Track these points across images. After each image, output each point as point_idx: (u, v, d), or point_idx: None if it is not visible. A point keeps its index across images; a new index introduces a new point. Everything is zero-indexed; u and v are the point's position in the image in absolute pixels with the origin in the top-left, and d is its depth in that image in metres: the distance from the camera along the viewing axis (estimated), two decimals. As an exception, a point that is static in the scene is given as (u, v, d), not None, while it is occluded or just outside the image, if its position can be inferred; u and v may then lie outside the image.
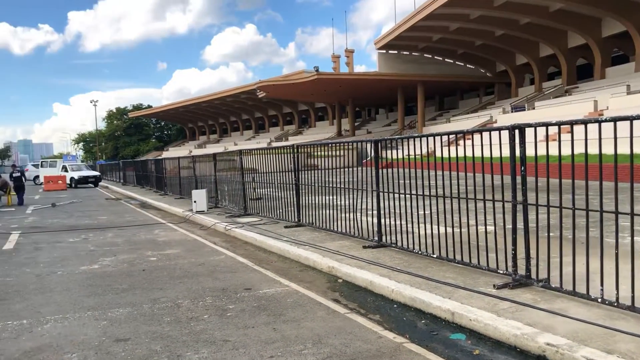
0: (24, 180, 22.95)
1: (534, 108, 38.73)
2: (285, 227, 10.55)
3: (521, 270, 5.51)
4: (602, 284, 4.58)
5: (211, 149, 73.12)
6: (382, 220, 8.02)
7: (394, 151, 8.73)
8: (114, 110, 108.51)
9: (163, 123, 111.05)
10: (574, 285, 4.87)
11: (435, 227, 6.99)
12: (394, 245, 7.77)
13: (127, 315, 5.45)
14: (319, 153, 10.96)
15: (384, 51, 53.47)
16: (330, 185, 9.61)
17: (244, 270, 7.63)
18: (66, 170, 37.69)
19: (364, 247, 8.02)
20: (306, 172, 10.77)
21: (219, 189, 15.92)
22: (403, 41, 49.12)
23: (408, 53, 54.01)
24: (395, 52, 53.61)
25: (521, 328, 4.27)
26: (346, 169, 9.48)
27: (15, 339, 4.82)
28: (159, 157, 36.14)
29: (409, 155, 7.57)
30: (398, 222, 7.71)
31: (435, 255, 6.82)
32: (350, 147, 11.45)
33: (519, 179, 5.42)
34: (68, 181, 35.26)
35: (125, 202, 22.25)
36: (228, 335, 4.73)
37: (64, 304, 5.98)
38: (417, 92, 50.94)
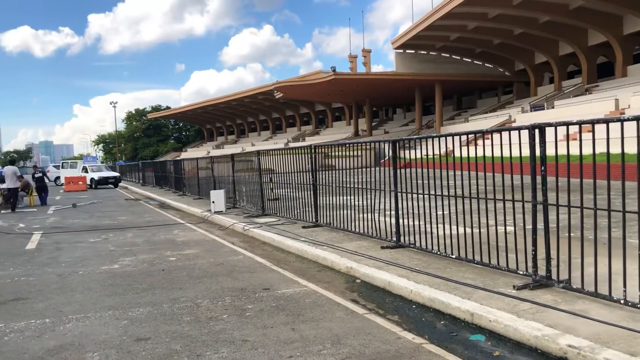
0: (46, 181, 23.28)
1: (553, 107, 38.31)
2: (303, 227, 10.57)
3: (541, 271, 5.45)
4: (624, 285, 4.52)
5: (229, 149, 73.51)
6: (401, 221, 7.99)
7: (412, 151, 8.70)
8: (133, 112, 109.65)
9: (181, 124, 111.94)
10: (595, 286, 4.81)
11: (454, 227, 6.95)
12: (412, 245, 7.74)
13: (147, 315, 5.51)
14: (337, 153, 10.95)
15: (401, 51, 53.29)
16: (348, 185, 9.60)
17: (263, 270, 7.66)
18: (86, 171, 38.19)
19: (382, 247, 8.00)
20: (324, 172, 10.78)
21: (237, 190, 16.00)
22: (420, 40, 48.91)
23: (425, 52, 53.75)
24: (413, 51, 53.40)
25: (542, 329, 4.23)
26: (364, 169, 9.45)
27: (38, 337, 4.90)
28: (178, 158, 36.45)
29: (427, 155, 7.54)
30: (416, 223, 7.68)
31: (454, 256, 6.79)
32: (368, 147, 11.43)
33: (538, 179, 5.37)
34: (88, 182, 35.70)
35: (144, 202, 22.47)
36: (247, 335, 4.76)
37: (86, 304, 6.06)
38: (434, 92, 50.67)
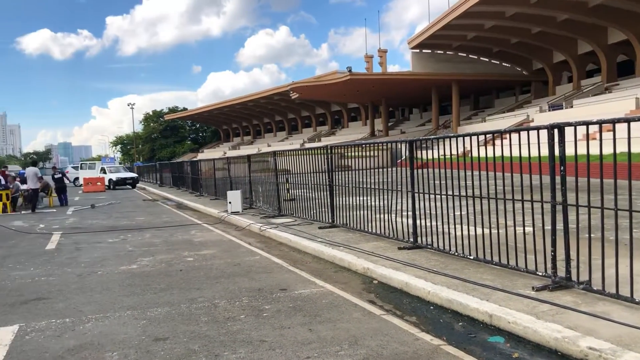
0: (65, 182, 23.62)
1: (572, 106, 37.91)
2: (320, 227, 10.57)
3: (561, 272, 5.39)
4: (646, 287, 4.45)
5: (245, 150, 73.82)
6: (418, 222, 7.95)
7: (429, 151, 8.65)
8: (151, 113, 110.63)
9: (198, 125, 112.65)
10: (617, 287, 4.74)
11: (471, 228, 6.90)
12: (429, 246, 7.71)
13: (165, 315, 5.54)
14: (353, 154, 10.93)
15: (418, 50, 53.09)
16: (364, 186, 9.58)
17: (279, 270, 7.67)
18: (105, 172, 38.60)
19: (399, 248, 7.97)
20: (340, 172, 10.77)
21: (253, 190, 16.05)
22: (437, 40, 48.68)
23: (442, 52, 53.50)
24: (429, 51, 53.18)
25: (562, 331, 4.18)
26: (380, 170, 9.41)
27: (59, 336, 4.96)
28: (194, 159, 36.69)
29: (444, 155, 7.49)
30: (434, 223, 7.64)
31: (472, 257, 6.74)
32: (384, 147, 11.39)
33: (557, 179, 5.31)
34: (106, 183, 36.08)
35: (161, 203, 22.64)
36: (264, 335, 4.77)
37: (105, 303, 6.11)
38: (451, 92, 50.41)
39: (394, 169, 9.13)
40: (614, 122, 4.69)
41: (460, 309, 5.19)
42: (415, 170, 7.98)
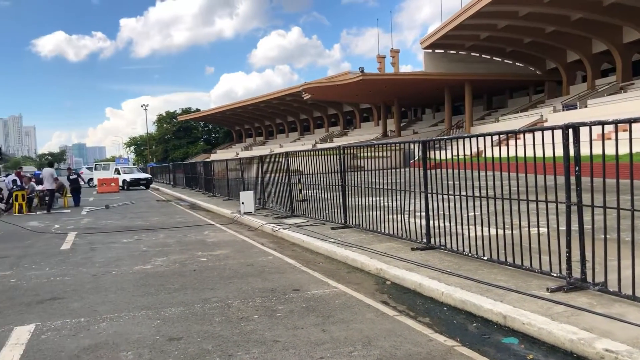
0: (81, 183, 23.88)
1: (586, 106, 37.58)
2: (332, 228, 10.57)
3: (576, 274, 5.34)
4: (663, 289, 4.40)
5: (257, 151, 74.04)
6: (431, 222, 7.93)
7: (442, 151, 8.62)
8: (164, 114, 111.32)
9: (211, 126, 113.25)
10: (633, 289, 4.69)
11: (485, 228, 6.86)
12: (443, 247, 7.68)
13: (179, 315, 5.57)
14: (365, 154, 10.92)
15: (430, 50, 52.90)
16: (377, 186, 9.57)
17: (292, 271, 7.68)
18: (119, 173, 38.89)
19: (412, 249, 7.95)
20: (352, 173, 10.76)
21: (266, 191, 16.09)
22: (449, 40, 48.49)
23: (455, 52, 53.28)
24: (442, 51, 52.97)
25: (577, 333, 4.14)
26: (392, 170, 9.39)
27: (74, 336, 5.00)
28: (207, 160, 36.82)
29: (457, 155, 7.46)
30: (447, 224, 7.61)
31: (485, 258, 6.70)
32: (397, 147, 11.36)
33: (572, 179, 5.27)
34: (120, 183, 36.34)
35: (175, 203, 22.77)
36: (278, 335, 4.78)
37: (119, 303, 6.16)
38: (464, 92, 50.18)
39: (407, 169, 9.10)
40: (630, 121, 4.65)
41: (474, 310, 5.17)
42: (428, 171, 7.95)
